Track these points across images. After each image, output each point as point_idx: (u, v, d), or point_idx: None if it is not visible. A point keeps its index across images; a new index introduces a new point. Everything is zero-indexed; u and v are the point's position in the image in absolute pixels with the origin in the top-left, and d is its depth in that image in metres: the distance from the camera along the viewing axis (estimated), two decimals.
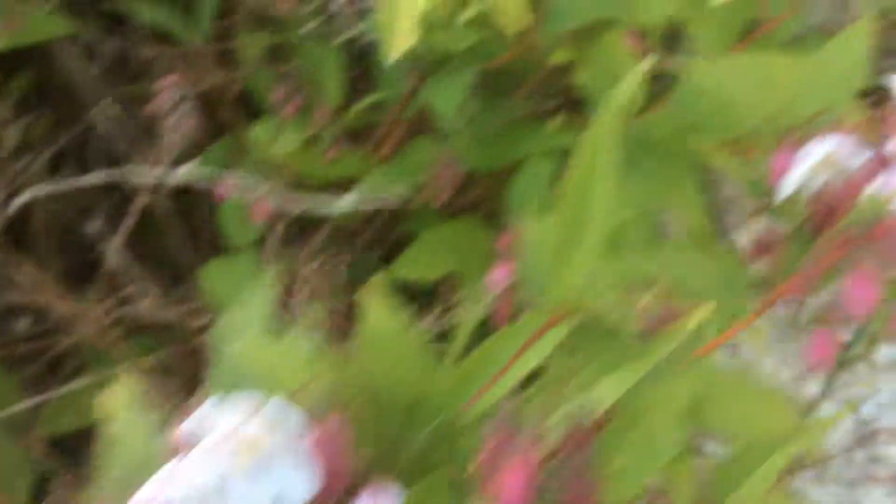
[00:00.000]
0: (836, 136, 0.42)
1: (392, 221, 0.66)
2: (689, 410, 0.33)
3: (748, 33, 0.67)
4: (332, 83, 0.57)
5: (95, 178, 0.53)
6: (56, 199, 0.65)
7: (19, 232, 0.69)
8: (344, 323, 0.39)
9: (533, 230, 0.37)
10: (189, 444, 0.27)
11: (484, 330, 0.40)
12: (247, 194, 0.54)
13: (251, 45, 0.61)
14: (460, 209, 0.62)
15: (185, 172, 0.51)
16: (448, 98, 0.53)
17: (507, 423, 0.27)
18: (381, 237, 0.69)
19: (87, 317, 0.65)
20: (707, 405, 0.36)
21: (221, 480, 0.26)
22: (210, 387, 0.30)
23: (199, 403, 0.28)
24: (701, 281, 0.36)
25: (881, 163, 0.42)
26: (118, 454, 0.32)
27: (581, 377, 0.29)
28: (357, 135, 0.60)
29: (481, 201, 0.63)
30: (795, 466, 0.60)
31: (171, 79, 0.70)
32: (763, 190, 0.43)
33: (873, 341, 0.60)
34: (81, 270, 0.69)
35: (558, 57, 0.58)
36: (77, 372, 0.68)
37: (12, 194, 0.60)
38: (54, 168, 0.70)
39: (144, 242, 0.69)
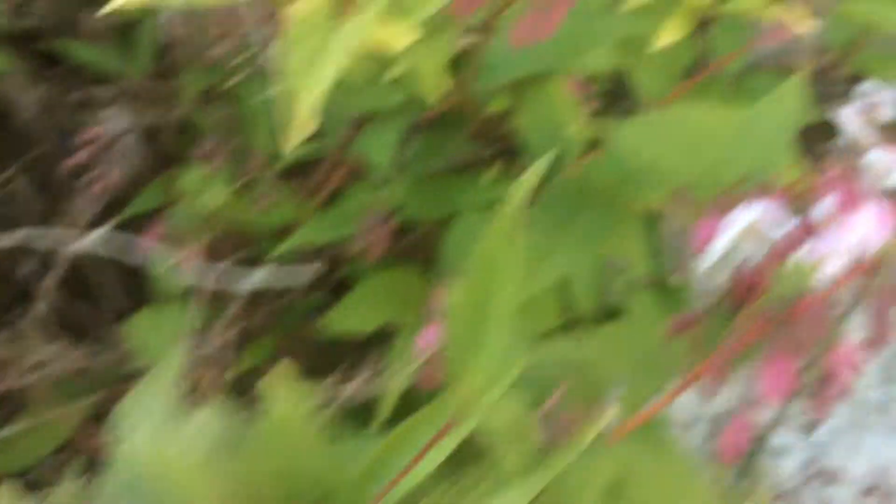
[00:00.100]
0: (762, 201, 0.42)
1: (335, 264, 0.65)
2: (607, 495, 0.33)
3: (692, 74, 0.67)
4: (264, 130, 0.56)
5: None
6: None
7: None
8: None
9: (450, 302, 0.36)
10: None
11: (413, 396, 0.39)
12: (174, 245, 0.53)
13: (188, 87, 0.60)
14: (400, 255, 0.61)
15: (96, 238, 0.50)
16: (381, 149, 0.52)
17: None
18: (322, 280, 0.68)
19: (17, 362, 0.63)
20: (625, 488, 0.35)
21: None
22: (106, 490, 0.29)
23: None
24: (616, 363, 0.36)
25: (807, 230, 0.42)
26: None
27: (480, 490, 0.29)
28: (293, 181, 0.60)
29: (421, 247, 0.62)
30: None
31: (111, 112, 0.69)
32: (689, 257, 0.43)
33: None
34: (12, 313, 0.68)
35: (496, 105, 0.57)
36: (8, 418, 0.66)
37: None
38: None
39: (78, 284, 0.68)
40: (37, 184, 0.73)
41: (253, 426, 0.31)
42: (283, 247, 0.55)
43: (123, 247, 0.52)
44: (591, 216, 0.56)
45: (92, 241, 0.49)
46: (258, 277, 0.48)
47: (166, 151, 0.69)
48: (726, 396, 0.35)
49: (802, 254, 0.41)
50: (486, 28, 0.44)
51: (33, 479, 0.62)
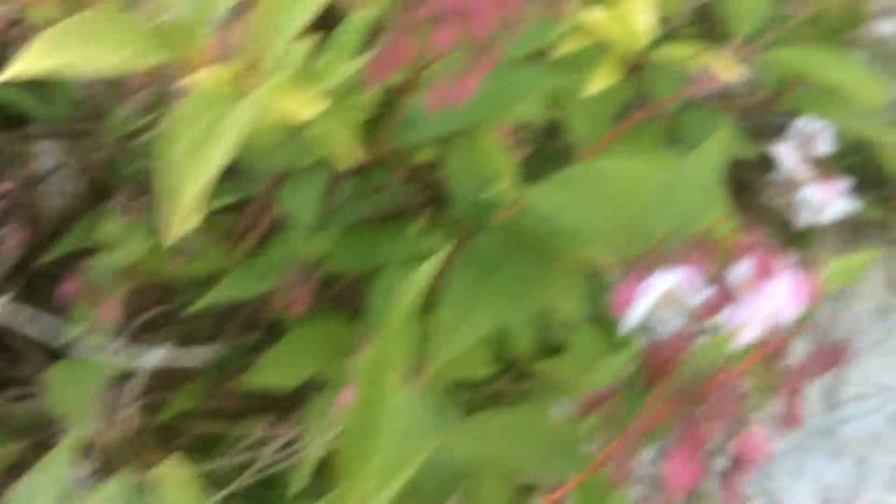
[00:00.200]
0: (682, 265, 0.42)
1: (263, 309, 0.64)
2: None
3: (627, 117, 0.67)
4: None
5: None
6: None
7: None
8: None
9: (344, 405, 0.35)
10: None
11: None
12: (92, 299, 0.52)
13: (108, 134, 0.59)
14: (328, 303, 0.60)
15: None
16: (303, 202, 0.51)
17: None
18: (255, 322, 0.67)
19: None
20: None
21: None
22: None
23: None
24: (524, 450, 0.35)
25: (724, 297, 0.41)
26: None
27: None
28: (218, 230, 0.58)
29: (349, 295, 0.61)
30: None
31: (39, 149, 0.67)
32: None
33: None
34: None
35: (424, 156, 0.57)
36: None
37: None
38: None
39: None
40: None
41: None
42: (204, 301, 0.54)
43: (29, 318, 0.51)
44: (520, 266, 0.55)
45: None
46: (157, 357, 0.47)
47: (97, 190, 0.67)
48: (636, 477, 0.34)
49: (719, 321, 0.41)
50: (405, 88, 0.44)
51: None
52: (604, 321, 0.65)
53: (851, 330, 1.00)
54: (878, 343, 1.01)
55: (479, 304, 0.51)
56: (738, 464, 0.33)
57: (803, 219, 0.91)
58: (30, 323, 0.51)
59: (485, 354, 0.58)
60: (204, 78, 0.33)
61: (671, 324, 0.40)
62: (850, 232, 1.03)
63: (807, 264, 0.41)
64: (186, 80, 0.33)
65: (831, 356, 0.35)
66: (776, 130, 0.92)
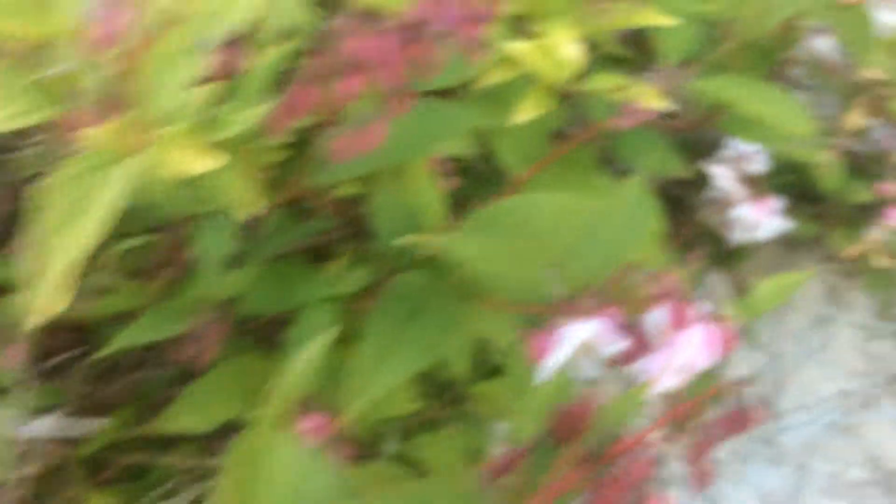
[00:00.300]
0: (598, 314, 0.41)
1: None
2: None
3: (559, 145, 0.66)
4: None
5: None
6: None
7: None
8: None
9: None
10: None
11: None
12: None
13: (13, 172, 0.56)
14: (246, 341, 0.59)
15: None
16: (212, 243, 0.49)
17: None
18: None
19: None
20: None
21: None
22: None
23: None
24: None
25: (640, 346, 0.41)
26: None
27: None
28: (132, 269, 0.56)
29: (267, 333, 0.59)
30: None
31: None
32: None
33: None
34: None
35: (345, 190, 0.55)
36: None
37: None
38: None
39: None
40: None
41: None
42: (117, 344, 0.52)
43: None
44: (446, 304, 0.54)
45: None
46: (46, 426, 0.45)
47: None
48: None
49: (634, 370, 0.40)
50: (316, 131, 0.42)
51: None
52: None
53: (790, 341, 1.01)
54: (815, 353, 1.02)
55: (401, 346, 0.50)
56: None
57: (738, 236, 0.91)
58: None
59: (411, 392, 0.57)
60: (89, 135, 0.31)
61: (586, 372, 0.40)
62: (786, 248, 1.04)
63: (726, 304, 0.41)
64: (73, 138, 0.31)
65: (741, 419, 0.34)
66: (712, 145, 0.92)
